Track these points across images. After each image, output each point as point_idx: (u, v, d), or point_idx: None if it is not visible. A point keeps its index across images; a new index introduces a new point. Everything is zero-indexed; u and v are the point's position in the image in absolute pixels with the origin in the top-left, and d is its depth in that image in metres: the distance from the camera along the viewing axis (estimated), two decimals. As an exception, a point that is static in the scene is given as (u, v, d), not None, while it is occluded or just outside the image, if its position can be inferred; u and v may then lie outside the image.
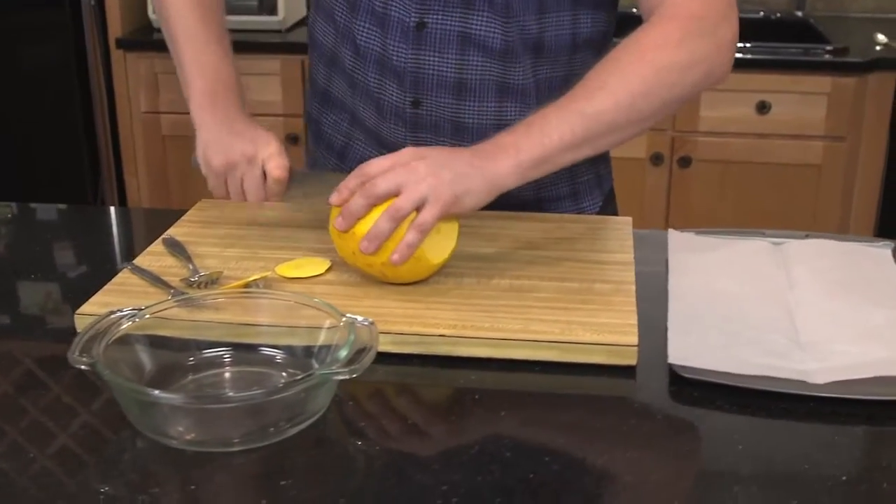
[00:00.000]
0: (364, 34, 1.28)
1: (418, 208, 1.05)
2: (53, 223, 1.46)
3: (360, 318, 0.93)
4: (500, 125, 1.26)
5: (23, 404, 0.93)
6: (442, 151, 1.10)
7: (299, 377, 0.85)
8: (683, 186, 2.65)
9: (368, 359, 0.87)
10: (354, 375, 0.85)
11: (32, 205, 1.48)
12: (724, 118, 2.57)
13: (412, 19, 1.23)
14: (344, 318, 0.93)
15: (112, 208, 1.55)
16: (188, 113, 3.16)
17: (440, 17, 1.23)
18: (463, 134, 1.29)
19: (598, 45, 1.30)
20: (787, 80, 2.53)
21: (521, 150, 1.09)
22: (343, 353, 0.88)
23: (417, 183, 1.05)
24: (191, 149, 3.08)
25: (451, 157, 1.09)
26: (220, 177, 1.22)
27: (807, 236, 1.26)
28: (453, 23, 1.23)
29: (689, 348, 0.98)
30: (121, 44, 2.80)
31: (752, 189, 2.63)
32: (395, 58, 1.26)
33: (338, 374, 0.85)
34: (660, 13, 1.17)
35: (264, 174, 1.21)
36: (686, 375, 0.94)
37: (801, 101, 2.54)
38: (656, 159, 2.62)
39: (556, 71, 1.29)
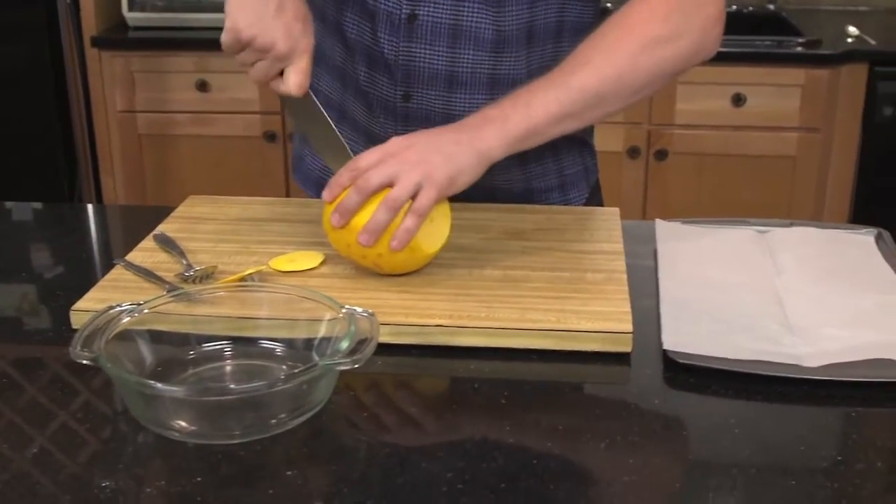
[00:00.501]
0: (354, 28, 1.28)
1: (413, 195, 1.06)
2: (31, 222, 1.46)
3: (359, 310, 0.93)
4: None
5: (13, 401, 0.93)
6: (428, 134, 1.12)
7: (303, 368, 0.85)
8: (660, 179, 2.67)
9: (370, 349, 0.88)
10: (357, 366, 0.86)
11: (9, 203, 1.47)
12: (699, 111, 2.60)
13: (403, 11, 1.23)
14: (343, 310, 0.93)
15: (90, 206, 1.54)
16: (164, 112, 3.11)
17: (431, 8, 1.23)
18: None
19: (584, 33, 1.31)
20: (762, 72, 2.56)
21: (508, 121, 1.11)
22: (344, 345, 0.88)
23: (410, 171, 1.06)
24: (166, 148, 3.03)
25: (439, 138, 1.10)
26: (239, 42, 1.12)
27: (791, 224, 1.28)
28: (444, 14, 1.23)
29: (682, 335, 1.00)
30: (96, 42, 2.78)
31: (728, 181, 2.66)
32: (386, 50, 1.26)
33: (341, 364, 0.86)
34: None
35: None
36: (681, 361, 0.96)
37: (776, 94, 2.57)
38: (633, 152, 2.64)
39: (545, 60, 1.30)
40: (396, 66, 1.26)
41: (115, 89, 2.82)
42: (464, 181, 1.09)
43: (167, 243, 1.19)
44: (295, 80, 1.14)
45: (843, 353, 0.97)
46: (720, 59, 2.52)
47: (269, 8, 1.12)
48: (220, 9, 2.83)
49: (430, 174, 1.06)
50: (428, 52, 1.25)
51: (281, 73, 1.15)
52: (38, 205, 1.50)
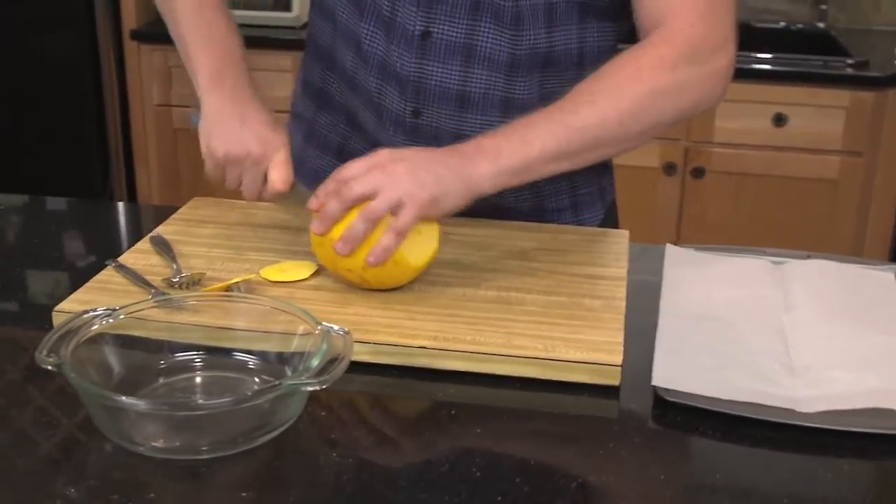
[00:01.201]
0: (368, 38, 1.25)
1: (395, 211, 1.03)
2: (49, 217, 1.44)
3: (335, 328, 0.90)
4: None
5: (-9, 402, 0.92)
6: (419, 152, 1.08)
7: (265, 387, 0.83)
8: (696, 198, 2.61)
9: (340, 370, 0.85)
10: (323, 387, 0.83)
11: (40, 197, 1.46)
12: (739, 129, 2.54)
13: (417, 28, 1.20)
14: (319, 327, 0.90)
15: (120, 204, 1.54)
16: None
17: (446, 27, 1.20)
18: None
19: (605, 60, 1.27)
20: (805, 92, 2.49)
21: (501, 155, 1.07)
22: (314, 362, 0.86)
23: (394, 185, 1.03)
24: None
25: (429, 158, 1.07)
26: (219, 166, 1.17)
27: (808, 257, 1.22)
28: (459, 34, 1.20)
29: (675, 370, 0.95)
30: (135, 35, 2.79)
31: (766, 203, 2.59)
32: (398, 65, 1.23)
33: (306, 384, 0.83)
34: (658, 34, 1.15)
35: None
36: (669, 399, 0.92)
37: (819, 115, 2.50)
38: (669, 169, 2.58)
39: (565, 86, 1.25)
40: (408, 82, 1.23)
41: (153, 83, 2.82)
42: (447, 205, 1.05)
43: (162, 246, 1.17)
44: (277, 176, 1.15)
45: (842, 399, 0.92)
46: (763, 77, 2.49)
47: (234, 123, 1.17)
48: (260, 6, 2.84)
49: (414, 192, 1.03)
50: (440, 70, 1.22)
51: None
52: (58, 200, 1.47)
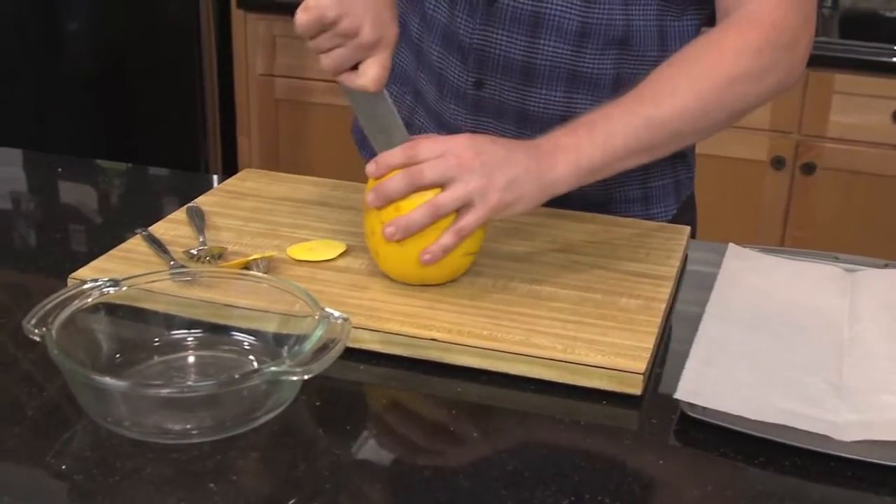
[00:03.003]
0: (432, 3, 1.20)
1: (461, 209, 0.96)
2: (143, 184, 1.43)
3: (335, 313, 0.85)
4: (569, 118, 1.16)
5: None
6: (500, 149, 0.99)
7: (245, 373, 0.78)
8: (805, 195, 2.46)
9: (328, 358, 0.79)
10: (307, 376, 0.78)
11: (138, 166, 1.45)
12: (855, 125, 2.38)
13: None
14: (319, 311, 0.85)
15: (214, 176, 1.53)
16: (302, 78, 3.05)
17: None
18: (527, 124, 1.19)
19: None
20: (931, 88, 2.31)
21: (581, 153, 1.00)
22: (307, 347, 0.81)
23: (467, 182, 0.95)
24: (301, 115, 3.00)
25: (509, 156, 0.99)
26: (320, 25, 0.99)
27: (886, 265, 1.11)
28: (527, 0, 1.14)
29: (705, 383, 0.87)
30: (242, 3, 2.79)
31: (880, 203, 2.42)
32: (461, 31, 1.17)
33: (289, 373, 0.78)
34: (740, 15, 1.07)
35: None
36: (692, 415, 0.83)
37: (944, 113, 2.32)
38: (777, 163, 2.44)
39: (641, 69, 1.17)
40: (470, 50, 1.17)
41: (257, 52, 2.82)
42: (519, 209, 0.98)
43: (196, 216, 1.14)
44: (374, 74, 1.01)
45: (888, 428, 0.82)
46: (884, 70, 2.32)
47: None
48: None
49: (486, 193, 0.96)
50: (505, 38, 1.16)
51: (355, 67, 1.03)
52: (153, 169, 1.46)
